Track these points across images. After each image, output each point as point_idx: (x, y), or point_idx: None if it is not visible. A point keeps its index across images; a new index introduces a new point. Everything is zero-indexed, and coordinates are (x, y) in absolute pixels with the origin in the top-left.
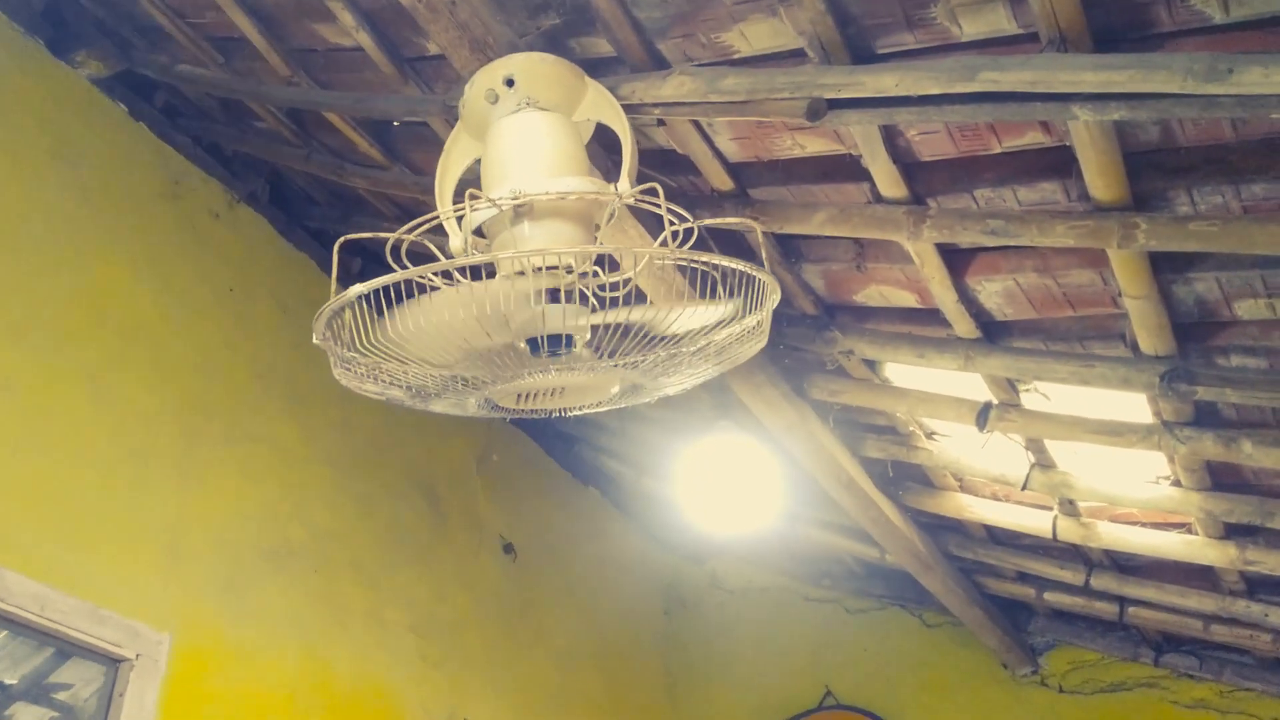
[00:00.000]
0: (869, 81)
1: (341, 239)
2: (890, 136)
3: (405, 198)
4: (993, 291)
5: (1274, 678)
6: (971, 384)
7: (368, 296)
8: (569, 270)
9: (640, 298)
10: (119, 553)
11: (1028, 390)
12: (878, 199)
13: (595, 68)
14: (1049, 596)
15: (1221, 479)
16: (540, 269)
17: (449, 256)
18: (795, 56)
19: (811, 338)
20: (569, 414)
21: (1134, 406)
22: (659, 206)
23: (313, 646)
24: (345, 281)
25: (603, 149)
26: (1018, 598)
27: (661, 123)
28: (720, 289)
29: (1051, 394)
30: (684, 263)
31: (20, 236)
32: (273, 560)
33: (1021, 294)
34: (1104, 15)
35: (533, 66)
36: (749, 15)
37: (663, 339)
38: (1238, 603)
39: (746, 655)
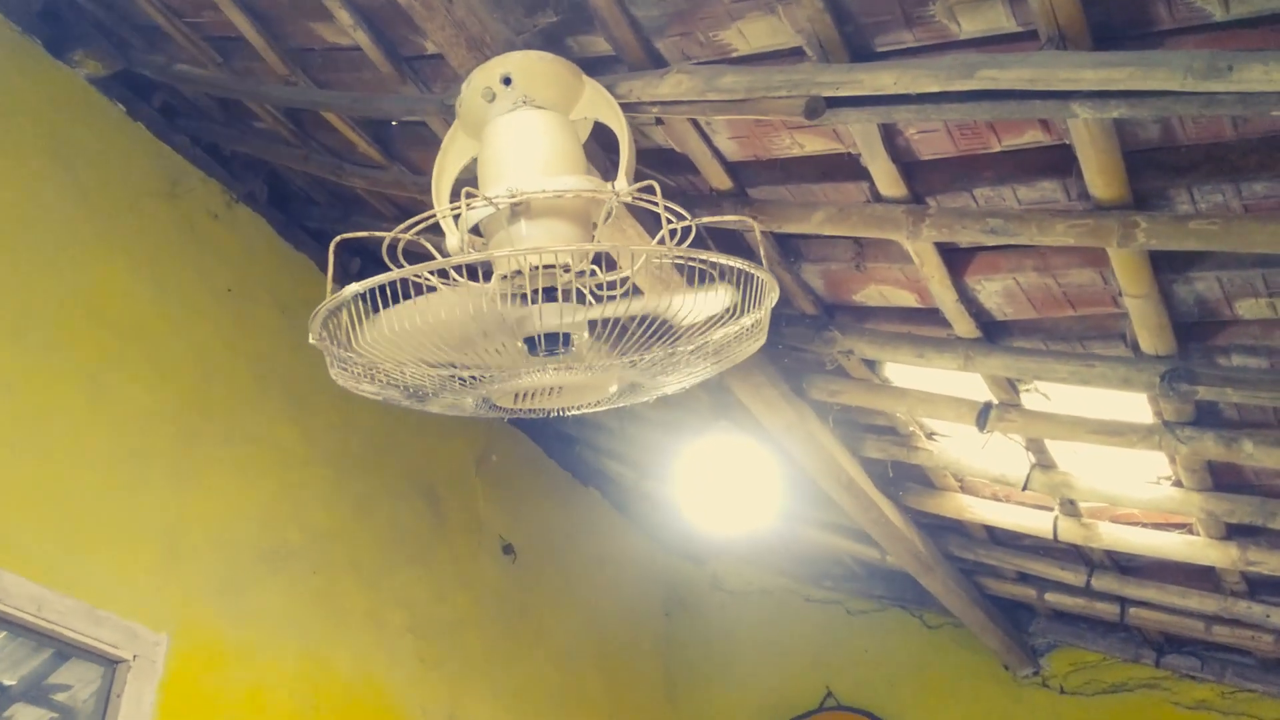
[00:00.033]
0: (867, 79)
1: (337, 238)
2: (889, 135)
3: (404, 197)
4: (992, 291)
5: (1276, 679)
6: (971, 384)
7: (365, 296)
8: (566, 269)
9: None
10: (117, 553)
11: (1028, 390)
12: (877, 198)
13: (593, 66)
14: (1050, 597)
15: (1223, 479)
16: (537, 268)
17: (446, 255)
18: (794, 55)
19: (811, 337)
20: (567, 413)
21: (1135, 406)
22: (656, 204)
23: (311, 648)
24: (344, 282)
25: (601, 148)
26: (1019, 599)
27: (660, 121)
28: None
29: (1052, 394)
30: (682, 261)
31: (18, 236)
32: (271, 561)
33: (1021, 293)
34: (1103, 12)
35: (530, 65)
36: (747, 13)
37: (661, 336)
38: (1239, 603)
39: (747, 656)
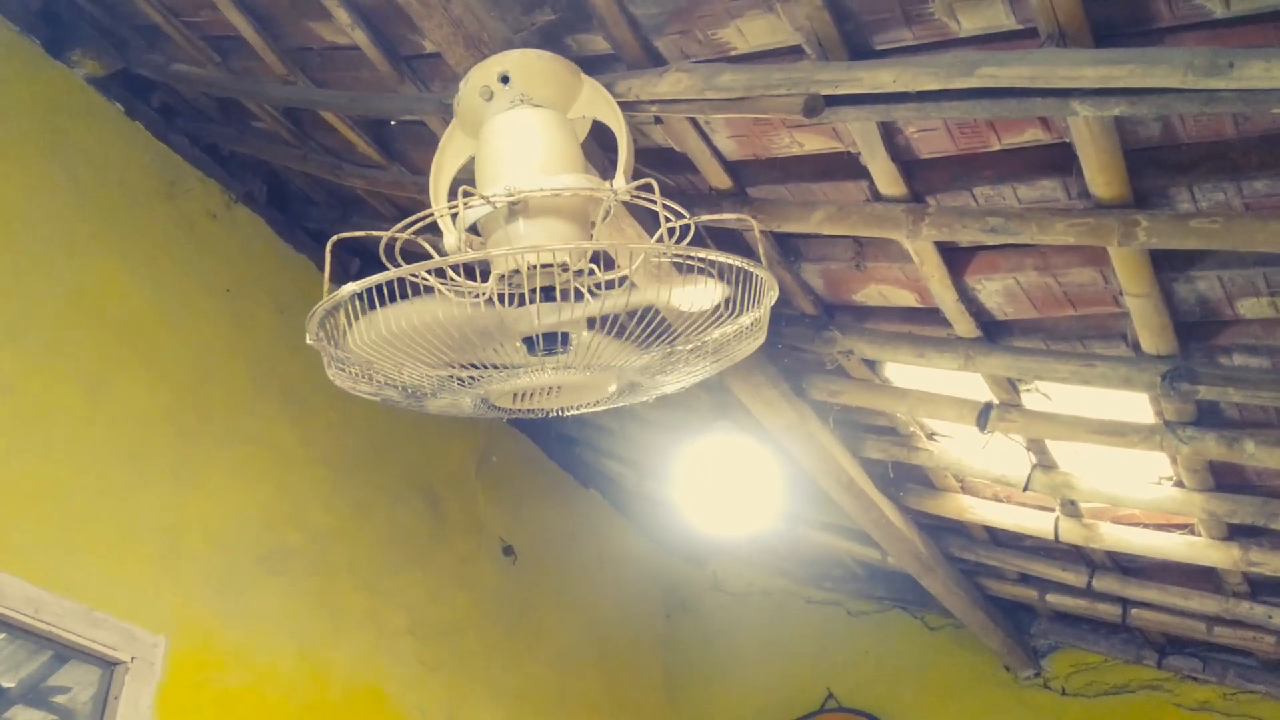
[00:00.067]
0: (866, 77)
1: (334, 238)
2: (889, 134)
3: (403, 198)
4: (993, 290)
5: (1278, 680)
6: (972, 384)
7: (362, 296)
8: (564, 268)
9: None
10: (114, 555)
11: (1029, 390)
12: (876, 197)
13: (591, 65)
14: (1051, 598)
15: (1224, 480)
16: (535, 266)
17: (443, 255)
18: (793, 53)
19: (811, 337)
20: (566, 413)
21: (1136, 406)
22: (655, 202)
23: (310, 650)
24: (344, 283)
25: (601, 148)
26: (1020, 600)
27: (658, 120)
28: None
29: (1052, 394)
30: (680, 259)
31: (16, 236)
32: (269, 562)
33: (1022, 293)
34: (1103, 10)
35: (528, 63)
36: (746, 11)
37: (660, 335)
38: (1241, 604)
39: (748, 658)
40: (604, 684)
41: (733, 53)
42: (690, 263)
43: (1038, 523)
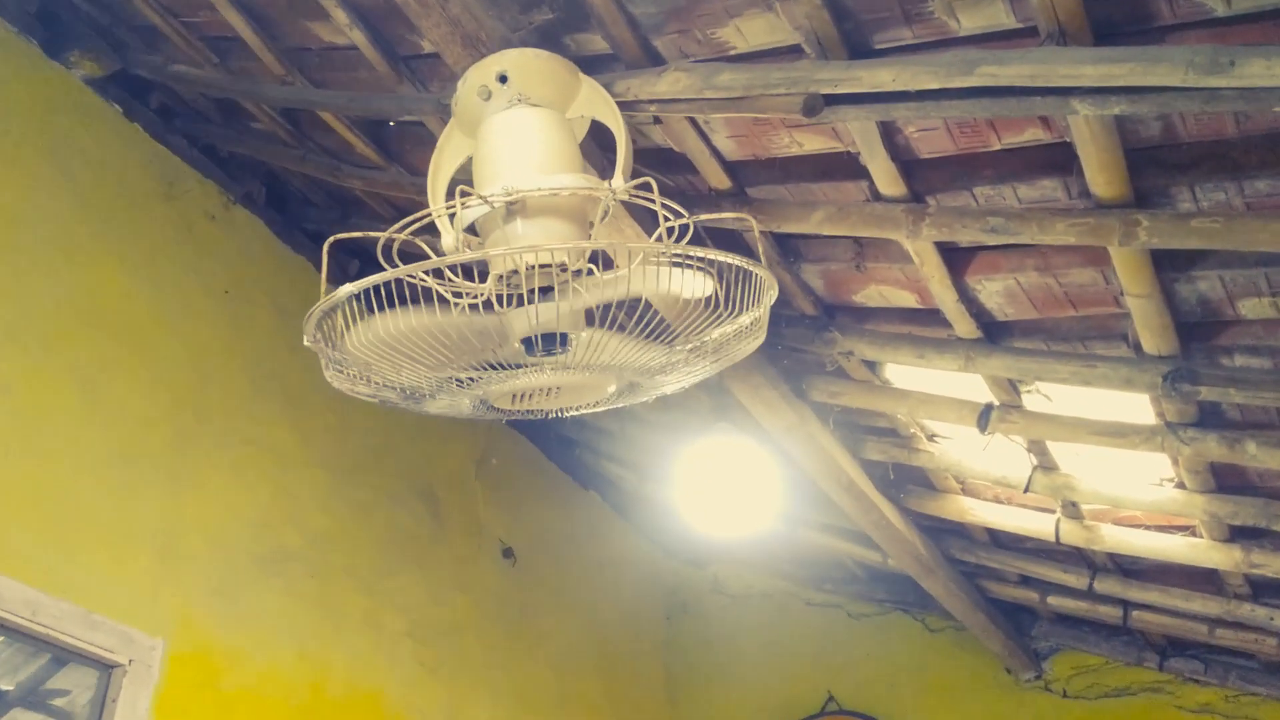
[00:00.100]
0: (866, 76)
1: (331, 239)
2: (889, 134)
3: (402, 198)
4: (993, 291)
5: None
6: (972, 385)
7: (360, 296)
8: (563, 268)
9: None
10: (112, 557)
11: (1029, 391)
12: (876, 197)
13: (590, 64)
14: (1052, 600)
15: (1226, 481)
16: (533, 266)
17: (441, 255)
18: (792, 52)
19: (811, 338)
20: (566, 415)
21: (1137, 407)
22: (653, 202)
23: (308, 652)
24: (343, 284)
25: (599, 148)
26: (1021, 602)
27: (658, 120)
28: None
29: (1053, 395)
30: (679, 259)
31: (14, 238)
32: (268, 565)
33: (1022, 293)
34: (1103, 8)
35: (526, 63)
36: (745, 11)
37: (659, 334)
38: (1243, 606)
39: (748, 660)
40: (604, 686)
41: (732, 52)
42: (690, 263)
43: (1039, 524)
